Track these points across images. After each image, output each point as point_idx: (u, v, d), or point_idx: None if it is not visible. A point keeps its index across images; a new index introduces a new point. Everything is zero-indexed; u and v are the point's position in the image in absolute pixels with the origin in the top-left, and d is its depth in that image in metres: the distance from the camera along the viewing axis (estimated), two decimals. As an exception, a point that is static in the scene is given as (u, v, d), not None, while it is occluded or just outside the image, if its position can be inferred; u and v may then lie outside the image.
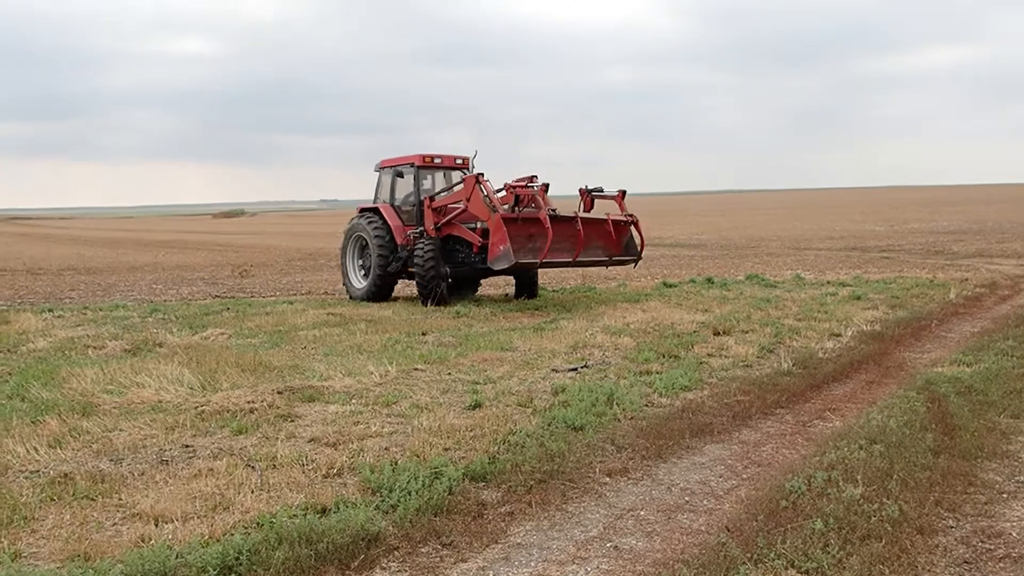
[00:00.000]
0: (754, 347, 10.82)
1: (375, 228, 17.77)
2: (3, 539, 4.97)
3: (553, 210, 15.05)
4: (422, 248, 16.54)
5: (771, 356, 10.49)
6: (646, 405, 8.12)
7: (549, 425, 7.27)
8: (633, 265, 17.11)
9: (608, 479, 6.13)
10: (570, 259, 15.16)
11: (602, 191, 16.23)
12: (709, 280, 19.69)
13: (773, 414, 7.92)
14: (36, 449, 6.70)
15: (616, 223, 16.07)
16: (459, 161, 17.91)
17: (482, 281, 19.28)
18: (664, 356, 10.36)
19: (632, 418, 7.61)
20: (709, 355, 10.51)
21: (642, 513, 5.52)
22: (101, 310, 16.85)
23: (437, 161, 17.98)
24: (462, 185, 16.61)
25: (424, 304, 16.43)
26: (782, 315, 13.70)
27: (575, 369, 9.72)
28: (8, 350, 11.92)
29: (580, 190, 16.39)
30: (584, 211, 16.03)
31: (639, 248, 16.53)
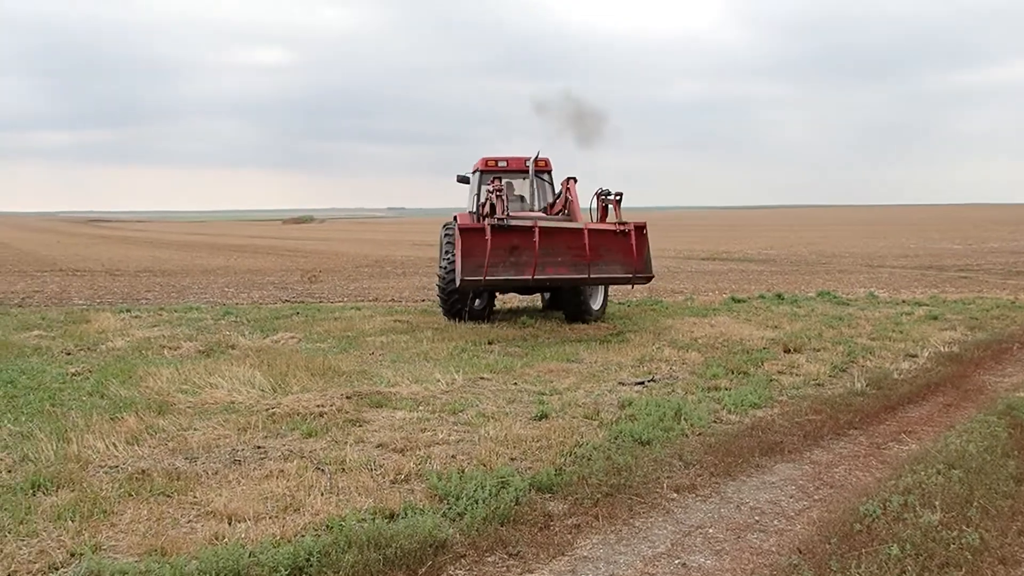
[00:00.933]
0: (826, 366, 10.58)
1: (447, 237, 16.63)
2: (84, 532, 5.13)
3: (501, 219, 13.07)
4: (447, 258, 15.05)
5: (844, 375, 10.24)
6: (714, 421, 8.01)
7: (616, 438, 7.23)
8: (631, 285, 14.67)
9: (676, 495, 6.06)
10: (528, 277, 12.97)
11: (610, 194, 14.30)
12: (779, 296, 19.35)
13: (846, 435, 7.73)
14: (115, 445, 6.92)
15: (598, 232, 13.34)
16: (528, 163, 16.20)
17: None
18: (733, 372, 10.21)
19: (700, 434, 7.51)
20: (779, 372, 10.32)
21: (711, 531, 5.44)
22: (176, 311, 17.32)
23: (502, 164, 16.39)
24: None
25: (449, 319, 15.06)
26: (855, 334, 13.38)
27: (642, 383, 9.63)
28: (88, 348, 12.33)
29: (596, 193, 14.67)
30: (599, 218, 14.38)
31: (636, 264, 13.39)
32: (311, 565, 4.63)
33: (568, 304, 15.30)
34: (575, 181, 14.56)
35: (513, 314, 16.38)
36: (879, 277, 25.93)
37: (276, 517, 5.42)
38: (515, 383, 9.69)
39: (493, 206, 13.62)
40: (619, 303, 18.31)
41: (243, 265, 34.59)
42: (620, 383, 9.70)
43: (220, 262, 36.43)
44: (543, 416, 8.02)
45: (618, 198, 14.10)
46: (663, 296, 20.22)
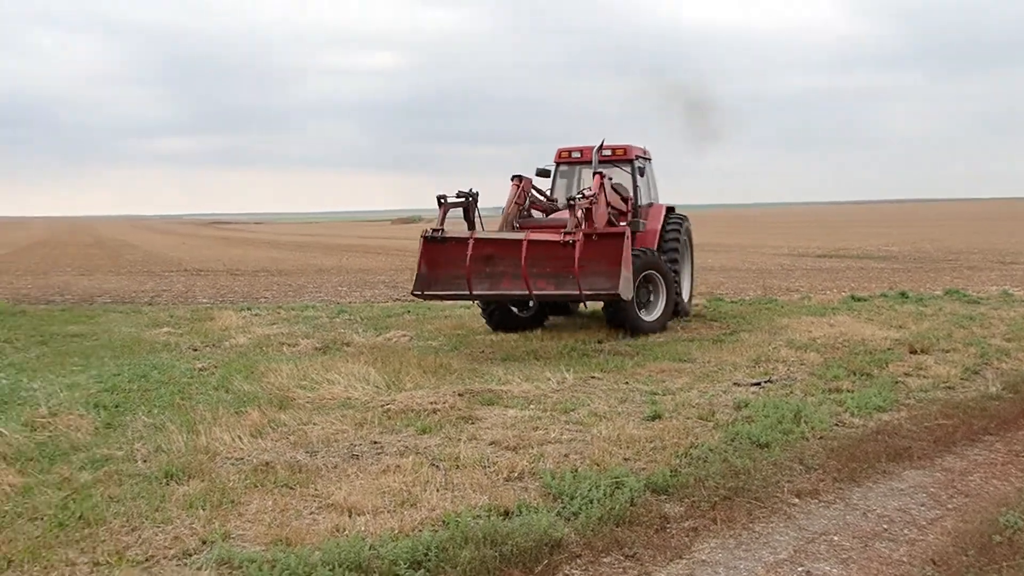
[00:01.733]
0: (957, 368, 10.04)
1: None
2: (214, 520, 5.34)
3: (437, 230, 12.20)
4: None
5: (977, 378, 9.71)
6: (836, 424, 7.71)
7: (732, 440, 7.06)
8: (576, 305, 13.13)
9: (797, 500, 5.87)
10: (465, 292, 12.05)
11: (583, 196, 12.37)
12: (902, 294, 18.49)
13: (980, 441, 7.32)
14: (240, 438, 7.18)
15: (539, 243, 11.53)
16: (607, 152, 14.44)
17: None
18: (855, 374, 9.80)
19: (821, 437, 7.25)
20: (906, 374, 9.85)
21: (835, 538, 5.23)
22: (293, 310, 17.88)
23: (575, 156, 14.72)
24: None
25: (492, 329, 13.95)
26: (988, 334, 12.67)
27: (758, 384, 9.37)
28: (213, 345, 12.86)
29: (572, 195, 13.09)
30: (586, 222, 12.49)
31: (578, 279, 11.21)
32: (429, 560, 4.68)
33: (607, 311, 13.21)
34: (602, 177, 12.80)
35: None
36: (1013, 274, 24.51)
37: (394, 511, 5.50)
38: (626, 382, 9.59)
39: (466, 210, 12.84)
40: (731, 302, 17.89)
41: (355, 264, 35.44)
42: (735, 384, 9.47)
43: (333, 262, 37.44)
44: (656, 416, 7.90)
45: (571, 201, 12.04)
46: (778, 294, 19.65)
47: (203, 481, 6.08)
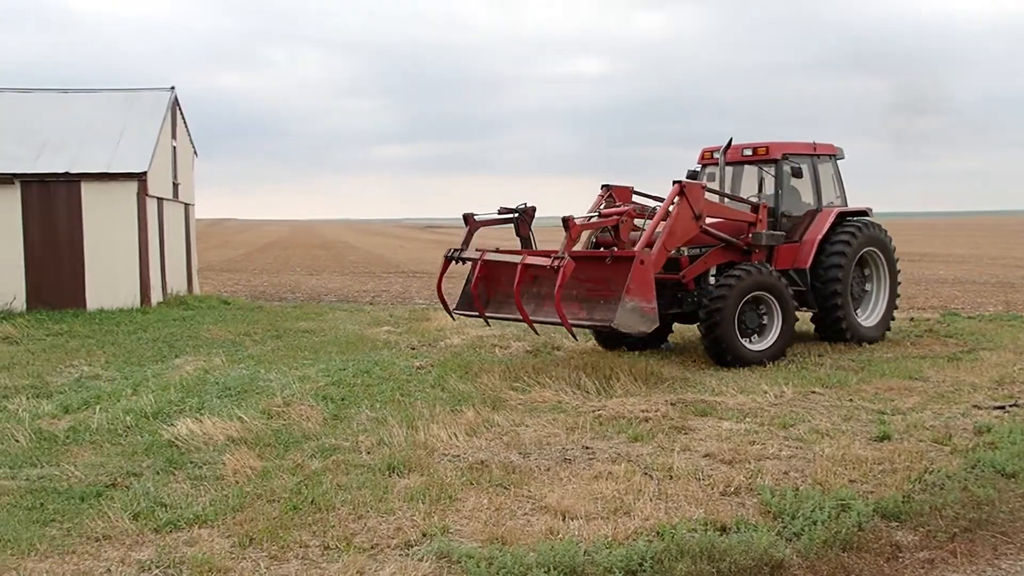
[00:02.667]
0: None
1: None
2: (433, 514, 5.54)
3: (458, 250, 11.67)
4: None
5: None
6: (1099, 457, 6.87)
7: (973, 467, 6.48)
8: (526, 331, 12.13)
9: (1053, 540, 5.27)
10: (477, 313, 11.68)
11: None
12: None
13: None
14: (456, 436, 7.42)
15: (533, 268, 10.45)
16: (746, 152, 12.87)
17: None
18: (1121, 401, 8.71)
19: (1082, 472, 6.49)
20: None
21: (1102, 587, 4.65)
22: (504, 313, 18.24)
23: (716, 156, 13.07)
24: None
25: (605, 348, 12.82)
26: None
27: (1003, 408, 8.53)
28: (430, 344, 13.42)
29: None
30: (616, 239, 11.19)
31: (558, 306, 9.70)
32: (644, 571, 4.62)
33: (703, 337, 11.50)
34: (681, 186, 11.10)
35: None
36: None
37: (607, 518, 5.47)
38: (850, 399, 9.02)
39: (518, 227, 12.08)
40: (968, 317, 16.44)
41: (563, 270, 35.77)
42: (975, 406, 8.67)
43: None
44: (885, 437, 7.38)
45: (566, 221, 10.53)
46: (1021, 310, 17.86)
47: (422, 475, 6.33)
